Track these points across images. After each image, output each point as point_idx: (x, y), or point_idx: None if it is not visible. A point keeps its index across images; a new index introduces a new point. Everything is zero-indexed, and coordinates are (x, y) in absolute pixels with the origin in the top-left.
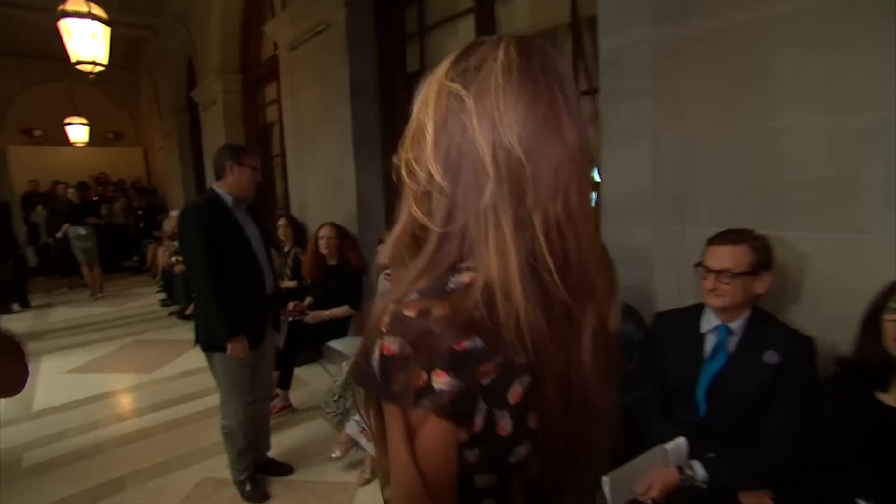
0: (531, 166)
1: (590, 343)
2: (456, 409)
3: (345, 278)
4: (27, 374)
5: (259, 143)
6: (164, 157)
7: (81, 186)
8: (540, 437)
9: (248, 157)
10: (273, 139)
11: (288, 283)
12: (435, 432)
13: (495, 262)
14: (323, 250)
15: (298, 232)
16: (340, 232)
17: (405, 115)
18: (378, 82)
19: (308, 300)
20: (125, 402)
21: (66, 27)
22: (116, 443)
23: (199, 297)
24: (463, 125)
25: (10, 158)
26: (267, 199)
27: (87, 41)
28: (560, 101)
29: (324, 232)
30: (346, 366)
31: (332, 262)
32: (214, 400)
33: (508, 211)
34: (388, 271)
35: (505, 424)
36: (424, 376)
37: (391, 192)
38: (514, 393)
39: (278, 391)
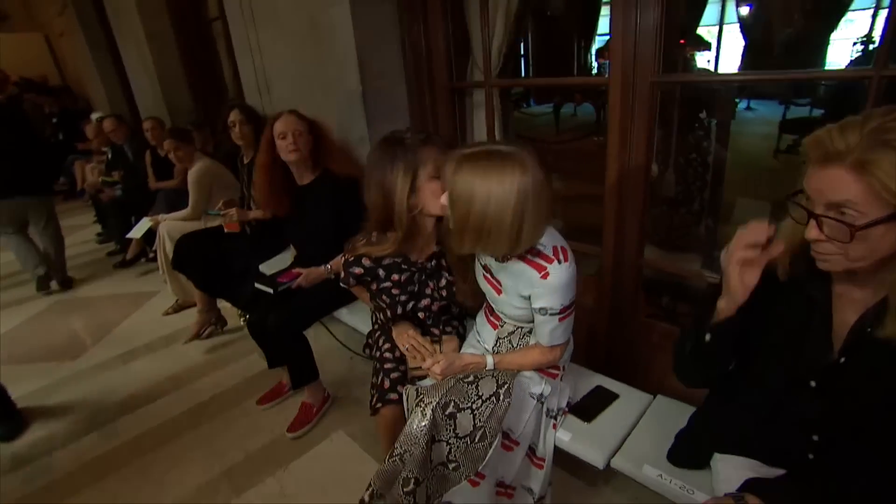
0: None
1: None
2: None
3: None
4: None
5: (189, 7)
6: (69, 43)
7: None
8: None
9: None
10: None
11: (255, 213)
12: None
13: None
14: (287, 155)
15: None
16: (310, 125)
17: None
18: None
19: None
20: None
21: None
22: None
23: None
24: None
25: None
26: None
27: None
28: None
29: (281, 125)
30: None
31: (306, 180)
32: None
33: None
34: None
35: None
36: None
37: (420, 61)
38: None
39: None
